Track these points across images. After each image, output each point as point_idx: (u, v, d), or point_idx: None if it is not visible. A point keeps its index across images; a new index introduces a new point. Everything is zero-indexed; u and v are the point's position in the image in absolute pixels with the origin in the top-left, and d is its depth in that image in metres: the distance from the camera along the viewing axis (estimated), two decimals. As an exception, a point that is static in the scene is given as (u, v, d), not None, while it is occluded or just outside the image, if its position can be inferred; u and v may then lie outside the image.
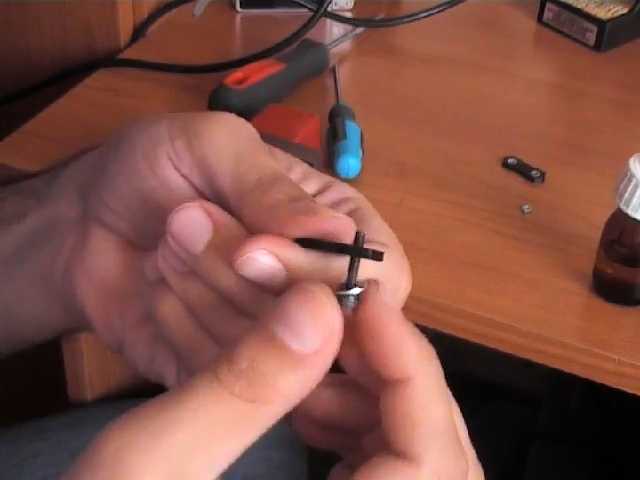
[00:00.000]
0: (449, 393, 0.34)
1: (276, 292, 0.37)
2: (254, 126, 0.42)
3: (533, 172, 0.76)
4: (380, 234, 0.40)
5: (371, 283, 0.34)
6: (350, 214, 0.40)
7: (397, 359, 0.32)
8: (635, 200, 0.60)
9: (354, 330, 0.33)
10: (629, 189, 0.61)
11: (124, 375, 0.85)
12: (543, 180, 0.76)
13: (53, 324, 0.50)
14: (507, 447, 1.23)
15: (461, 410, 0.36)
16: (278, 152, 0.43)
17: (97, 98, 0.84)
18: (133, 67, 0.87)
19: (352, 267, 0.34)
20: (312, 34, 0.88)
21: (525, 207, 0.73)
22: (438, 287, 0.65)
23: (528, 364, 0.65)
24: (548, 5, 0.97)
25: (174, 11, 0.95)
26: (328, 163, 0.75)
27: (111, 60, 0.88)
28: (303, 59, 0.86)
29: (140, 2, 0.91)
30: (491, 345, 0.65)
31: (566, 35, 0.96)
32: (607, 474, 1.20)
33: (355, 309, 0.33)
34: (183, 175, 0.41)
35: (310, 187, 0.42)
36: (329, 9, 0.89)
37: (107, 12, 0.88)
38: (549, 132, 0.84)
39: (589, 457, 1.20)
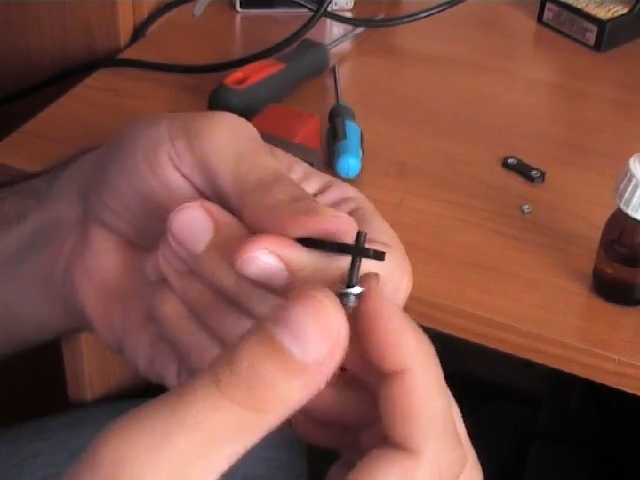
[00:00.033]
0: (448, 391, 0.34)
1: (277, 292, 0.37)
2: (254, 126, 0.42)
3: (533, 172, 0.76)
4: (381, 234, 0.40)
5: (371, 277, 0.34)
6: (351, 214, 0.40)
7: (396, 352, 0.32)
8: (635, 200, 0.60)
9: (354, 324, 0.33)
10: (629, 189, 0.61)
11: (124, 375, 0.85)
12: (543, 180, 0.76)
13: (54, 325, 0.50)
14: (507, 447, 1.23)
15: (461, 410, 0.36)
16: (279, 152, 0.43)
17: (97, 98, 0.84)
18: (133, 67, 0.87)
19: (353, 267, 0.34)
20: (312, 34, 0.88)
21: (525, 207, 0.73)
22: (438, 287, 0.65)
23: (528, 364, 0.65)
24: (548, 5, 0.97)
25: (174, 11, 0.95)
26: (328, 163, 0.75)
27: (111, 60, 0.88)
28: (303, 59, 0.86)
29: (140, 2, 0.91)
30: (491, 345, 0.65)
31: (566, 35, 0.96)
32: (607, 474, 1.20)
33: (356, 308, 0.33)
34: (184, 175, 0.41)
35: (311, 187, 0.42)
36: (329, 9, 0.89)
37: (107, 12, 0.88)
38: (549, 132, 0.84)
39: (589, 457, 1.20)
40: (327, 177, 0.43)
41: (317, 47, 0.88)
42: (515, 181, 0.76)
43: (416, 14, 0.92)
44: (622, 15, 0.95)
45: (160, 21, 0.93)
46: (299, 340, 0.30)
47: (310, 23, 0.87)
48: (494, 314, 0.64)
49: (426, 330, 0.34)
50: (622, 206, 0.61)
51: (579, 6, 0.96)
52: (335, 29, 0.96)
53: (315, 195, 0.42)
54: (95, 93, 0.84)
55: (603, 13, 0.95)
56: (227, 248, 0.37)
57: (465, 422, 0.36)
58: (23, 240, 0.48)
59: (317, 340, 0.31)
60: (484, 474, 0.36)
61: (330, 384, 0.33)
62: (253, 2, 0.98)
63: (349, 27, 0.94)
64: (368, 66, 0.92)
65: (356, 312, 0.33)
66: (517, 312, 0.64)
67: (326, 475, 0.37)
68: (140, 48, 0.90)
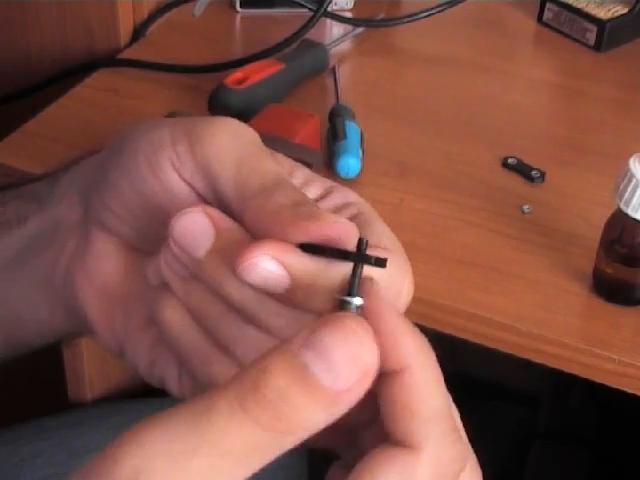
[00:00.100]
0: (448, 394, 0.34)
1: (279, 298, 0.37)
2: (254, 126, 0.42)
3: (533, 172, 0.76)
4: (382, 238, 0.40)
5: (366, 280, 0.34)
6: (352, 219, 0.40)
7: (397, 351, 0.32)
8: (635, 200, 0.60)
9: None
10: (629, 189, 0.61)
11: (124, 375, 0.85)
12: (543, 180, 0.76)
13: (55, 328, 0.50)
14: (507, 447, 1.23)
15: (461, 410, 0.36)
16: (280, 156, 0.43)
17: (97, 98, 0.84)
18: (133, 67, 0.87)
19: (355, 274, 0.34)
20: (312, 34, 0.88)
21: (525, 207, 0.73)
22: (438, 287, 0.65)
23: (528, 364, 0.65)
24: (548, 5, 0.97)
25: (174, 11, 0.95)
26: (328, 163, 0.75)
27: (111, 60, 0.88)
28: (303, 59, 0.86)
29: (140, 2, 0.91)
30: (491, 345, 0.65)
31: (566, 35, 0.96)
32: (607, 474, 1.20)
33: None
34: (185, 179, 0.41)
35: (312, 192, 0.42)
36: (329, 9, 0.89)
37: (107, 12, 0.88)
38: (549, 132, 0.84)
39: (589, 457, 1.20)
40: (328, 182, 0.43)
41: (317, 47, 0.88)
42: (515, 181, 0.76)
43: (416, 14, 0.92)
44: (622, 15, 0.95)
45: (160, 21, 0.93)
46: (329, 368, 0.30)
47: (310, 23, 0.87)
48: (494, 314, 0.64)
49: (426, 330, 0.34)
50: (622, 206, 0.61)
51: (579, 6, 0.96)
52: (335, 29, 0.96)
53: (316, 200, 0.42)
54: (95, 93, 0.84)
55: (603, 13, 0.95)
56: (228, 253, 0.37)
57: (465, 422, 0.36)
58: (24, 243, 0.48)
59: (347, 370, 0.31)
60: (484, 474, 0.36)
61: None
62: (253, 2, 0.98)
63: (349, 27, 0.94)
64: (368, 66, 0.92)
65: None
66: (517, 312, 0.64)
67: (326, 475, 0.37)
68: (140, 48, 0.90)
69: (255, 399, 0.30)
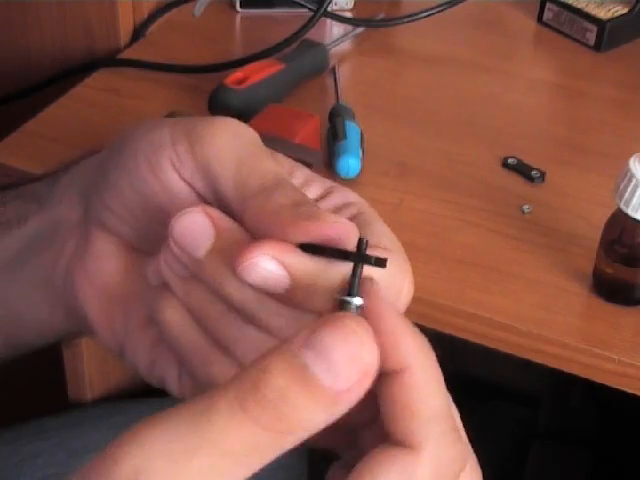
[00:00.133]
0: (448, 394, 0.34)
1: (279, 298, 0.37)
2: (254, 126, 0.42)
3: (533, 172, 0.76)
4: (382, 238, 0.40)
5: (366, 280, 0.34)
6: (352, 219, 0.40)
7: (397, 351, 0.32)
8: (635, 200, 0.60)
9: None
10: (629, 189, 0.61)
11: (124, 375, 0.85)
12: (543, 180, 0.76)
13: (55, 328, 0.50)
14: (507, 447, 1.23)
15: (461, 410, 0.36)
16: (280, 156, 0.43)
17: (97, 98, 0.84)
18: (133, 67, 0.87)
19: (355, 274, 0.34)
20: (312, 34, 0.88)
21: (525, 207, 0.73)
22: (438, 287, 0.65)
23: (528, 364, 0.65)
24: (548, 5, 0.97)
25: (174, 11, 0.95)
26: (328, 163, 0.75)
27: (111, 60, 0.88)
28: (303, 59, 0.86)
29: (140, 2, 0.91)
30: (491, 345, 0.65)
31: (566, 35, 0.96)
32: (607, 474, 1.20)
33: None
34: (185, 179, 0.41)
35: (312, 192, 0.42)
36: (329, 9, 0.89)
37: (107, 12, 0.88)
38: (549, 132, 0.84)
39: (589, 457, 1.20)
40: (328, 182, 0.43)
41: (317, 47, 0.88)
42: (515, 181, 0.76)
43: (416, 14, 0.92)
44: (622, 15, 0.95)
45: (160, 21, 0.93)
46: (329, 368, 0.30)
47: (310, 23, 0.87)
48: (494, 314, 0.64)
49: (426, 330, 0.34)
50: (622, 206, 0.61)
51: (579, 6, 0.96)
52: (335, 29, 0.96)
53: (316, 200, 0.42)
54: (95, 93, 0.84)
55: (603, 13, 0.95)
56: (228, 253, 0.37)
57: (465, 422, 0.36)
58: (24, 243, 0.48)
59: (347, 370, 0.31)
60: (484, 474, 0.36)
61: None
62: (253, 2, 0.98)
63: (349, 27, 0.94)
64: (368, 66, 0.92)
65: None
66: (517, 312, 0.64)
67: (326, 475, 0.37)
68: (140, 48, 0.90)
69: (255, 399, 0.30)
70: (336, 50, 0.91)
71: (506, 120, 0.84)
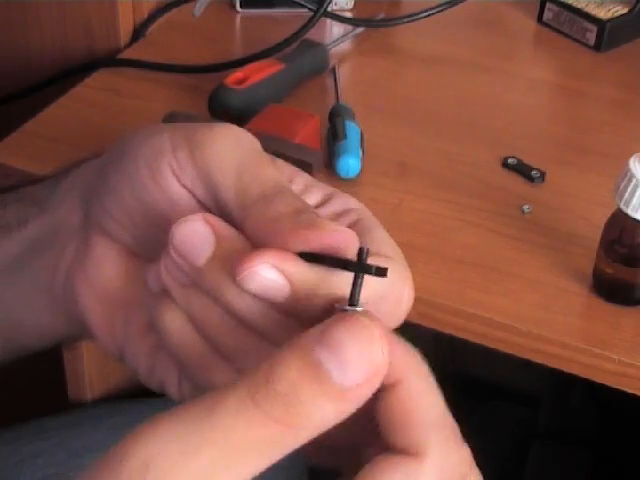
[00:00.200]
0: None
1: (279, 306, 0.37)
2: (254, 126, 0.42)
3: (533, 172, 0.76)
4: (382, 245, 0.40)
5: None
6: (352, 225, 0.40)
7: (392, 364, 0.32)
8: (635, 200, 0.60)
9: None
10: (629, 189, 0.61)
11: (124, 376, 0.85)
12: (543, 180, 0.76)
13: (54, 331, 0.49)
14: (507, 447, 1.23)
15: (461, 410, 0.36)
16: (280, 162, 0.43)
17: (97, 98, 0.84)
18: (133, 67, 0.87)
19: (356, 283, 0.34)
20: (312, 34, 0.88)
21: (525, 207, 0.73)
22: (438, 287, 0.65)
23: (528, 364, 0.65)
24: (548, 5, 0.97)
25: (174, 11, 0.95)
26: (328, 163, 0.75)
27: (111, 60, 0.88)
28: (303, 59, 0.86)
29: (140, 2, 0.91)
30: (491, 345, 0.65)
31: (566, 35, 0.96)
32: (607, 474, 1.20)
33: None
34: (185, 186, 0.40)
35: (312, 198, 0.42)
36: (329, 9, 0.89)
37: (107, 12, 0.88)
38: (549, 132, 0.84)
39: (589, 457, 1.20)
40: (328, 188, 0.43)
41: (317, 47, 0.88)
42: (515, 181, 0.76)
43: (416, 14, 0.92)
44: (622, 15, 0.95)
45: (160, 21, 0.94)
46: (341, 364, 0.31)
47: (310, 23, 0.87)
48: (494, 314, 0.64)
49: (426, 330, 0.34)
50: (622, 206, 0.61)
51: (579, 6, 0.96)
52: (335, 29, 0.96)
53: (316, 207, 0.42)
54: (95, 93, 0.84)
55: (603, 13, 0.95)
56: (229, 261, 0.37)
57: (465, 422, 0.36)
58: (24, 246, 0.48)
59: (359, 367, 0.31)
60: (484, 474, 0.36)
61: None
62: (253, 2, 0.98)
63: (349, 27, 0.94)
64: (368, 66, 0.92)
65: None
66: (517, 312, 0.64)
67: (326, 475, 0.37)
68: (140, 48, 0.90)
69: (267, 393, 0.30)
70: (336, 50, 0.91)
71: (506, 120, 0.84)
